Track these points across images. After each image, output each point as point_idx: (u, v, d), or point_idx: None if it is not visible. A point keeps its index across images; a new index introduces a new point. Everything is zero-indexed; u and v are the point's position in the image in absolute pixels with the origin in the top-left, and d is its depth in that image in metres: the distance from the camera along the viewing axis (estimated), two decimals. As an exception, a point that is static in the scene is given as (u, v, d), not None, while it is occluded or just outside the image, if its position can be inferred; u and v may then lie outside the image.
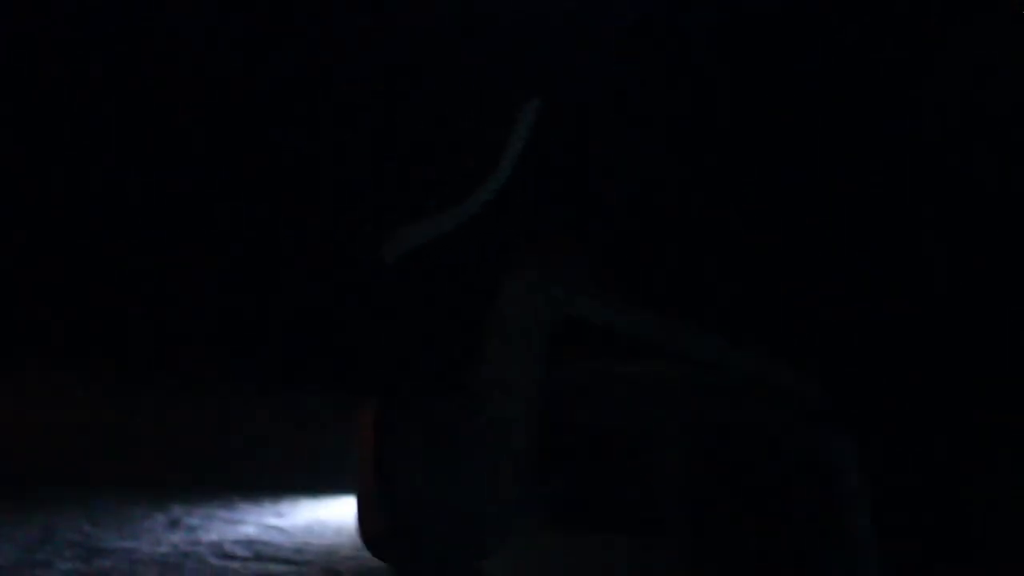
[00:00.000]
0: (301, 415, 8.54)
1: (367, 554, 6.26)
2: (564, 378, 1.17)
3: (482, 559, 1.17)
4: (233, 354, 8.93)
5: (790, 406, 1.20)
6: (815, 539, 1.17)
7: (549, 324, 1.15)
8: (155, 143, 8.76)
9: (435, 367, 1.25)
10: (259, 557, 5.73)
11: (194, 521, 6.31)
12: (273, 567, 5.57)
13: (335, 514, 6.74)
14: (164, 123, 8.67)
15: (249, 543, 5.97)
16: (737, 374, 1.21)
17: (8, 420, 7.86)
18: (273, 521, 6.44)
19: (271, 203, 8.60)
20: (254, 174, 8.48)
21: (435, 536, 1.21)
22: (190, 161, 8.54)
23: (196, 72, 8.43)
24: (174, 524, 6.24)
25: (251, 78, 8.33)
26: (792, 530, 1.16)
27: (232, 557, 5.69)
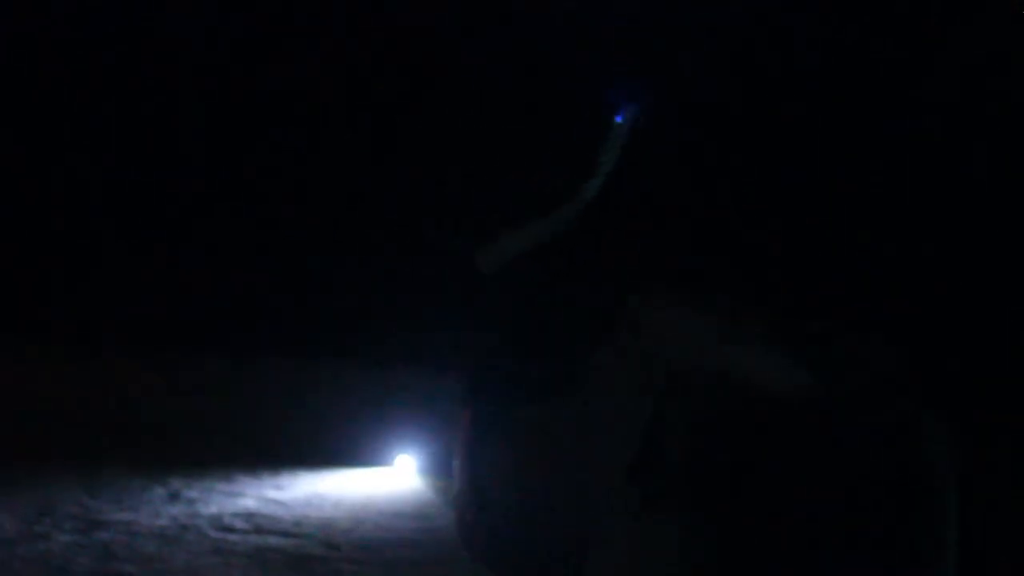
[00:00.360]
0: (301, 387, 8.56)
1: (366, 526, 6.32)
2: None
3: (578, 560, 1.16)
4: (235, 328, 8.93)
5: (870, 378, 1.16)
6: (896, 534, 1.14)
7: (679, 362, 1.13)
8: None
9: (535, 371, 1.23)
10: (258, 530, 5.75)
11: (193, 494, 6.33)
12: (272, 540, 5.59)
13: (334, 487, 6.77)
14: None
15: (248, 516, 5.99)
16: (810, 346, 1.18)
17: (8, 395, 7.88)
18: (272, 494, 6.46)
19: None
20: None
21: (529, 538, 1.20)
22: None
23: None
24: (173, 497, 6.26)
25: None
26: (872, 519, 1.14)
27: (231, 530, 5.71)
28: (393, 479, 7.12)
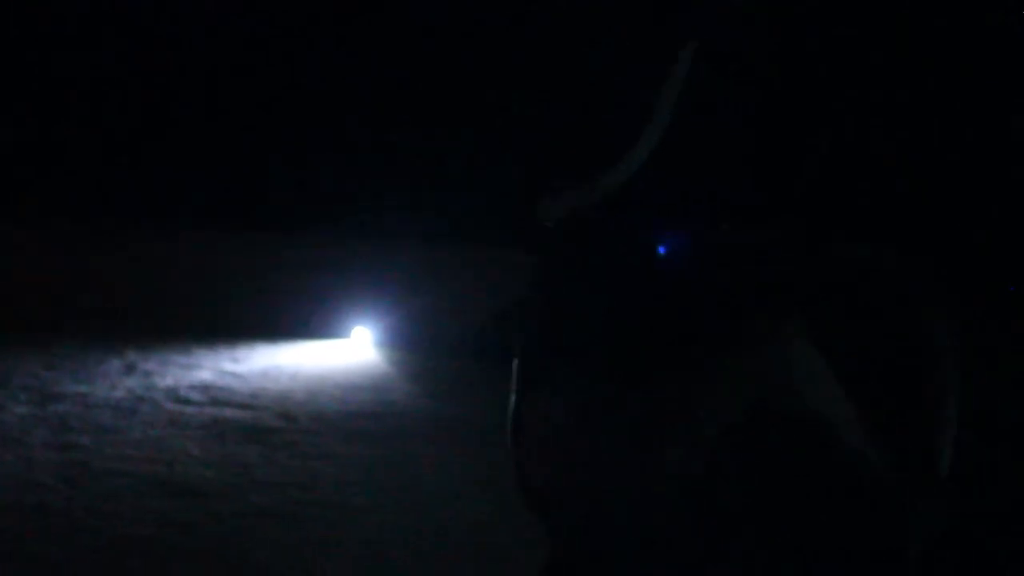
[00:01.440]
0: (258, 260, 8.53)
1: (322, 399, 6.35)
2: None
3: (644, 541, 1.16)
4: (196, 203, 8.85)
5: (875, 283, 1.15)
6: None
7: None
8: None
9: (601, 345, 1.19)
10: (214, 402, 5.76)
11: (150, 366, 6.33)
12: (228, 412, 5.61)
13: (291, 359, 6.79)
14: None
15: (204, 388, 6.00)
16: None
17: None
18: (229, 367, 6.47)
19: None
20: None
21: (573, 498, 1.19)
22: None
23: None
24: (130, 369, 6.26)
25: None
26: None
27: (187, 402, 5.72)
28: (350, 351, 7.14)
